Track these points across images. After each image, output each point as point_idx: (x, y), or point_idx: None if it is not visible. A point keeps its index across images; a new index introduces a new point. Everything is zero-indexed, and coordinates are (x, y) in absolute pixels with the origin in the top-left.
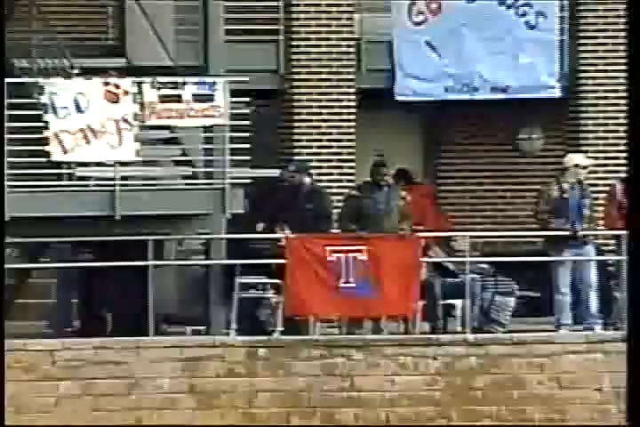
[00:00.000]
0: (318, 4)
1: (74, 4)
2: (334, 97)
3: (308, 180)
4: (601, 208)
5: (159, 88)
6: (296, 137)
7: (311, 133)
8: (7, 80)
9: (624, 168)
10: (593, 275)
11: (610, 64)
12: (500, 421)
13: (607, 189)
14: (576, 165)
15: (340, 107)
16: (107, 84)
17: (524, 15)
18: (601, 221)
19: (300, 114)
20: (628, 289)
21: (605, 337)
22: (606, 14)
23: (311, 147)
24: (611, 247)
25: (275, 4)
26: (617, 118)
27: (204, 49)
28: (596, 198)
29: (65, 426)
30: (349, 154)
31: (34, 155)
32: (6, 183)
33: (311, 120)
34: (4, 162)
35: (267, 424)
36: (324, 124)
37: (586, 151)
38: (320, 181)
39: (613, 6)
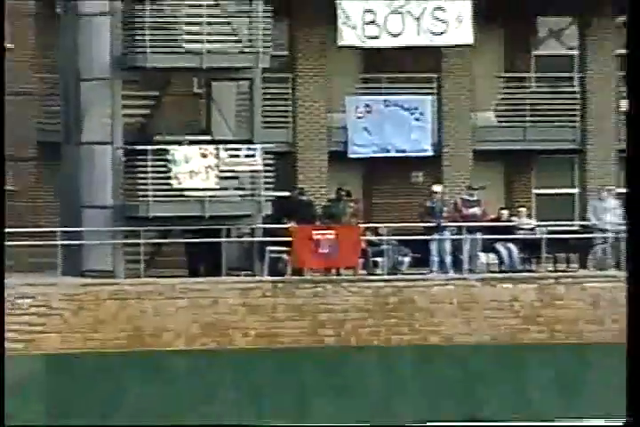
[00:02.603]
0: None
1: (185, 99)
2: (318, 157)
3: (303, 197)
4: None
5: (227, 150)
6: (300, 178)
7: (305, 177)
8: (151, 147)
9: (465, 191)
10: (448, 247)
11: (459, 139)
12: (400, 319)
13: (454, 202)
14: (436, 191)
15: (320, 160)
16: (200, 148)
17: (413, 114)
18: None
19: (298, 167)
20: (627, 289)
21: (454, 277)
22: (456, 112)
23: (304, 181)
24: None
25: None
26: (464, 163)
27: (250, 129)
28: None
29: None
30: (323, 187)
31: (166, 183)
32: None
33: (304, 171)
34: (4, 163)
35: (284, 318)
36: (310, 173)
37: (443, 183)
38: (309, 197)
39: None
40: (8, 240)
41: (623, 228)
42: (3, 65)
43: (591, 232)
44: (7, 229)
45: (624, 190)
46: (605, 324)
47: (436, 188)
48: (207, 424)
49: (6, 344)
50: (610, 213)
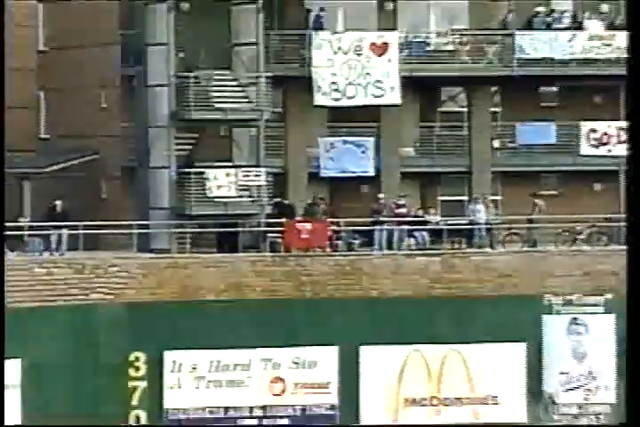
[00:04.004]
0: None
1: (216, 139)
2: (301, 176)
3: (286, 202)
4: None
5: (242, 171)
6: (289, 190)
7: (292, 189)
8: (193, 170)
9: (396, 198)
10: (385, 234)
11: (391, 165)
12: (352, 280)
13: (389, 205)
14: (379, 198)
15: (302, 178)
16: (225, 170)
17: (360, 149)
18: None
19: (288, 182)
20: (627, 290)
21: (388, 253)
22: (389, 147)
23: (292, 192)
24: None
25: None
26: (395, 180)
27: (257, 157)
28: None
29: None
30: (303, 195)
31: (202, 193)
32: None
33: (292, 185)
34: (3, 163)
35: (278, 280)
36: (296, 187)
37: (383, 192)
38: (291, 202)
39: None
40: (102, 229)
41: (487, 220)
42: (3, 65)
43: (472, 224)
44: (102, 222)
45: (496, 197)
46: (483, 284)
47: (380, 195)
48: None
49: (100, 296)
50: (481, 213)
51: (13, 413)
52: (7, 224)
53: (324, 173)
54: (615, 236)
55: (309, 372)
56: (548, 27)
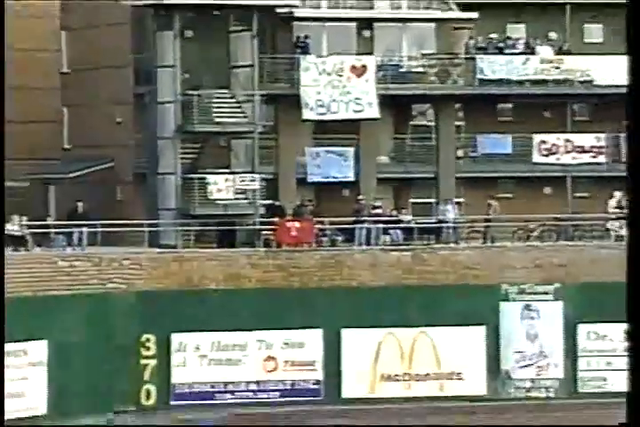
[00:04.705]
0: None
1: (216, 149)
2: (290, 181)
3: (277, 203)
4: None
5: (239, 177)
6: (280, 193)
7: (283, 192)
8: (196, 175)
9: (373, 200)
10: (364, 231)
11: (368, 171)
12: (335, 272)
13: (367, 206)
14: (359, 200)
15: (292, 183)
16: (224, 176)
17: (342, 157)
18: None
19: (279, 187)
20: (628, 290)
21: (366, 248)
22: (367, 156)
23: (283, 195)
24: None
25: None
26: (372, 185)
27: (252, 164)
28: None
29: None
30: (293, 198)
31: (204, 196)
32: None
33: (283, 189)
34: (3, 163)
35: (271, 271)
36: (286, 190)
37: (362, 195)
38: (282, 203)
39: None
40: (117, 227)
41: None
42: (3, 65)
43: (439, 223)
44: (117, 221)
45: (460, 200)
46: (449, 274)
47: (359, 198)
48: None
49: (115, 285)
50: (450, 213)
51: (41, 388)
52: (35, 223)
53: (310, 179)
54: (563, 233)
55: (298, 351)
56: (504, 51)
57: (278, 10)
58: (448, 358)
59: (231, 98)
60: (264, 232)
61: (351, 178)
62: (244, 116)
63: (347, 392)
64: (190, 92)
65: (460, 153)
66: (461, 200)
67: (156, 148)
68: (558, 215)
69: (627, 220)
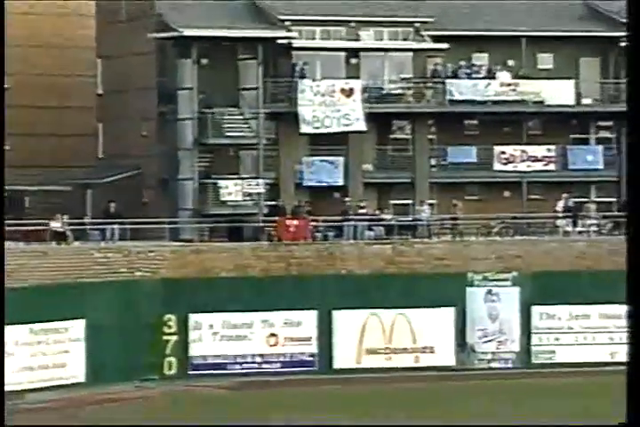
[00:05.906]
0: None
1: (227, 158)
2: (289, 185)
3: (279, 204)
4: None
5: (247, 182)
6: (281, 196)
7: (283, 195)
8: (210, 181)
9: (359, 201)
10: (351, 228)
11: (356, 177)
12: (327, 262)
13: (355, 206)
14: (346, 201)
15: (290, 187)
16: (234, 181)
17: (333, 165)
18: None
19: (280, 190)
20: (628, 291)
21: (353, 242)
22: (354, 164)
23: (283, 197)
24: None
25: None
26: (359, 188)
27: (257, 171)
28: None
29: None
30: (291, 200)
31: (216, 198)
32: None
33: (283, 192)
34: (3, 163)
35: (272, 261)
36: (286, 193)
37: (350, 197)
38: (282, 204)
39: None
40: (143, 225)
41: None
42: (3, 65)
43: (415, 221)
44: (143, 220)
45: (432, 201)
46: (423, 264)
47: (347, 200)
48: None
49: (142, 273)
50: (426, 213)
51: (79, 359)
52: (74, 221)
53: (306, 183)
54: (519, 229)
55: (296, 329)
56: (471, 76)
57: (279, 41)
58: (422, 334)
59: (240, 115)
60: (267, 228)
61: (341, 183)
62: (251, 131)
63: (337, 364)
64: (205, 110)
65: (432, 162)
66: (434, 202)
67: (177, 157)
68: (515, 214)
69: (626, 217)
